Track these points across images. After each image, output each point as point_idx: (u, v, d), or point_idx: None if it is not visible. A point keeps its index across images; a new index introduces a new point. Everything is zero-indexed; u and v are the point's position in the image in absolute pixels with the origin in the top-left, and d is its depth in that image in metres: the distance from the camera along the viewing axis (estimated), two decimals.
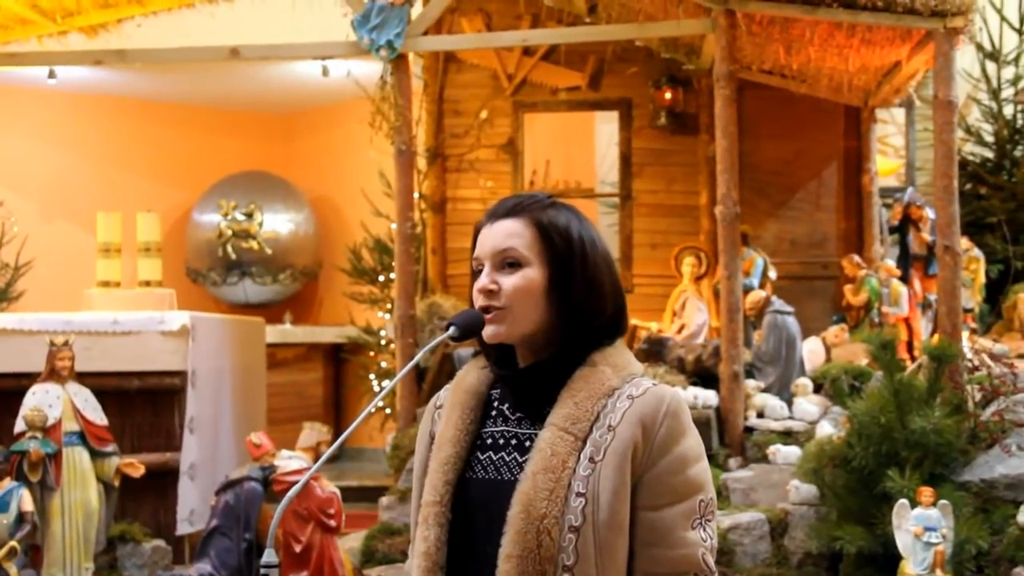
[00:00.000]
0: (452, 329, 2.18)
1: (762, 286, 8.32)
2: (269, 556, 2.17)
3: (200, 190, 12.17)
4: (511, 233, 2.13)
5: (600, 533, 2.01)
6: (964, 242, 8.93)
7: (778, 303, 7.87)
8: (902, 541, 6.00)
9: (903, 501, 6.02)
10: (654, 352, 7.91)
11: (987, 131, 10.07)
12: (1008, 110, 10.01)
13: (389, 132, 7.67)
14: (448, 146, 9.22)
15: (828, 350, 8.06)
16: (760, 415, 7.54)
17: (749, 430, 7.44)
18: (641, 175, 9.14)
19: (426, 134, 9.11)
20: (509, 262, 2.12)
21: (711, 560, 2.08)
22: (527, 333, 2.12)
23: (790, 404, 7.55)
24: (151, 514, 7.35)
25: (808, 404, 7.46)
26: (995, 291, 9.27)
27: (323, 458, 2.30)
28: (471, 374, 2.26)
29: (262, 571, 2.13)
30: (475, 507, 2.11)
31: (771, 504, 6.84)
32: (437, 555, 2.11)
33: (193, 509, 7.35)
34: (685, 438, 2.09)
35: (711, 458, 7.23)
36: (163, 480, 7.33)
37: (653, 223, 9.07)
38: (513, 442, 2.13)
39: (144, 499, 7.33)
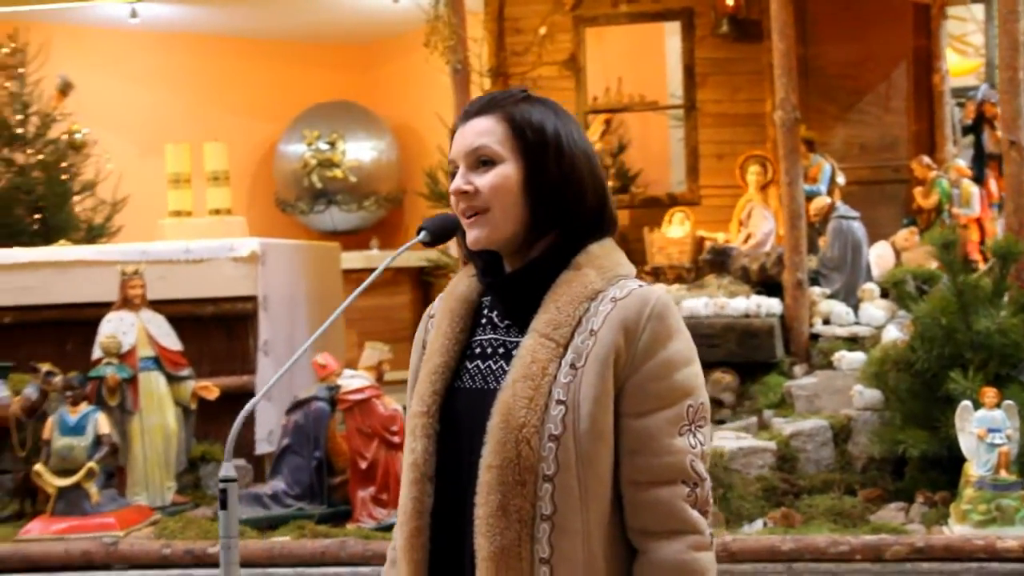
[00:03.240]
0: (423, 234, 2.12)
1: (830, 192, 8.05)
2: (227, 470, 2.14)
3: (285, 122, 12.18)
4: (483, 131, 2.03)
5: (581, 442, 1.93)
6: None
7: (843, 208, 7.61)
8: (965, 443, 5.79)
9: (966, 403, 5.79)
10: (718, 262, 7.74)
11: None
12: None
13: (444, 51, 7.52)
14: (510, 65, 9.04)
15: (898, 254, 7.79)
16: (826, 322, 7.32)
17: (814, 337, 7.25)
18: (705, 85, 8.87)
19: (488, 53, 8.93)
20: (483, 160, 2.02)
21: (701, 467, 1.99)
22: (509, 235, 2.03)
23: (856, 310, 7.33)
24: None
25: (874, 309, 7.22)
26: None
27: (290, 362, 2.27)
28: (462, 282, 2.19)
29: (220, 485, 2.11)
30: (462, 416, 2.04)
31: (835, 410, 6.67)
32: (425, 466, 2.05)
33: (271, 429, 7.38)
34: (672, 341, 1.99)
35: (774, 366, 7.06)
36: (241, 402, 7.28)
37: (718, 133, 8.82)
38: (501, 350, 2.05)
39: (224, 421, 7.31)
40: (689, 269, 8.15)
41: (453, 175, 2.06)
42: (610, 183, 8.75)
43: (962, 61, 9.38)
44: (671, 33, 10.06)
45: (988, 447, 5.71)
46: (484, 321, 2.10)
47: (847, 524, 5.93)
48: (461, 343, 2.09)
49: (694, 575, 1.97)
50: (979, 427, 5.73)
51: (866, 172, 8.62)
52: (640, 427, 1.95)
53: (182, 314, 7.19)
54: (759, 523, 6.04)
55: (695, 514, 1.98)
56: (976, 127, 7.95)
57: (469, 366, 2.06)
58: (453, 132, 2.10)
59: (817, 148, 8.24)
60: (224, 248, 7.48)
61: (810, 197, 7.88)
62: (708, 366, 7.02)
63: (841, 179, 8.17)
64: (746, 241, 8.10)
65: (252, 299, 7.42)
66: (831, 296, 7.44)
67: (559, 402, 1.93)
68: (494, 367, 2.03)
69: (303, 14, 11.30)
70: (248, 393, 7.41)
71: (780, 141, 7.20)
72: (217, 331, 7.47)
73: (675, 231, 8.45)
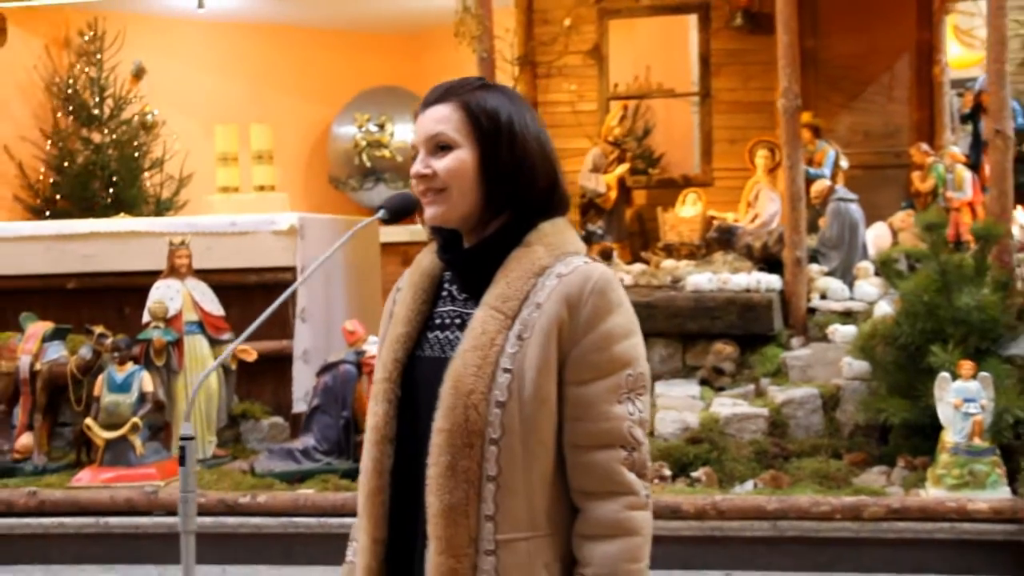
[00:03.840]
0: (382, 212, 2.16)
1: (834, 176, 7.96)
2: (186, 429, 2.18)
3: (338, 106, 12.25)
4: (440, 118, 2.04)
5: (525, 408, 1.94)
6: None
7: (842, 191, 7.52)
8: (943, 412, 5.76)
9: (944, 374, 5.76)
10: (724, 240, 7.69)
11: None
12: None
13: (471, 41, 7.52)
14: (538, 53, 9.02)
15: (895, 235, 7.69)
16: (823, 297, 7.27)
17: (812, 311, 7.19)
18: (719, 74, 8.80)
19: (517, 43, 8.91)
20: (441, 145, 2.03)
21: (639, 432, 1.99)
22: (465, 214, 2.04)
23: (851, 287, 7.25)
24: (271, 394, 7.50)
25: (868, 286, 7.15)
26: None
27: (249, 329, 2.27)
28: (426, 258, 2.20)
29: (180, 443, 2.14)
30: (421, 383, 2.05)
31: (826, 380, 6.63)
32: (386, 428, 2.07)
33: (307, 390, 7.46)
34: (612, 315, 1.99)
35: (773, 339, 7.03)
36: (280, 364, 7.45)
37: (731, 119, 8.75)
38: (458, 321, 2.06)
39: (264, 381, 7.49)
40: (699, 246, 8.11)
41: (415, 159, 2.08)
42: (630, 165, 8.80)
43: (969, 53, 9.20)
44: (694, 26, 9.97)
45: (963, 416, 5.67)
46: (445, 294, 2.11)
47: (832, 486, 5.91)
48: (423, 314, 2.10)
49: (628, 532, 1.98)
50: (956, 397, 5.70)
51: (869, 157, 8.51)
52: (581, 394, 1.96)
53: (227, 282, 7.28)
54: (749, 484, 6.04)
55: (631, 476, 1.98)
56: (974, 115, 7.81)
57: (429, 336, 2.08)
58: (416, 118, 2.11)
59: (823, 134, 8.16)
60: (266, 222, 7.56)
61: (815, 180, 7.81)
62: (710, 337, 7.05)
63: (845, 164, 8.08)
64: (753, 221, 8.04)
65: (291, 269, 7.49)
66: (828, 273, 7.37)
67: (506, 371, 1.94)
68: (451, 337, 2.04)
69: (356, 5, 11.35)
70: (286, 356, 7.51)
71: (782, 127, 7.14)
72: (259, 298, 7.52)
73: (687, 211, 8.41)
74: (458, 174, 2.01)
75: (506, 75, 9.05)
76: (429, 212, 2.05)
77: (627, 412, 1.97)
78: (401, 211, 2.15)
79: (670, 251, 8.22)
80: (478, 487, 1.94)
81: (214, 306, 6.98)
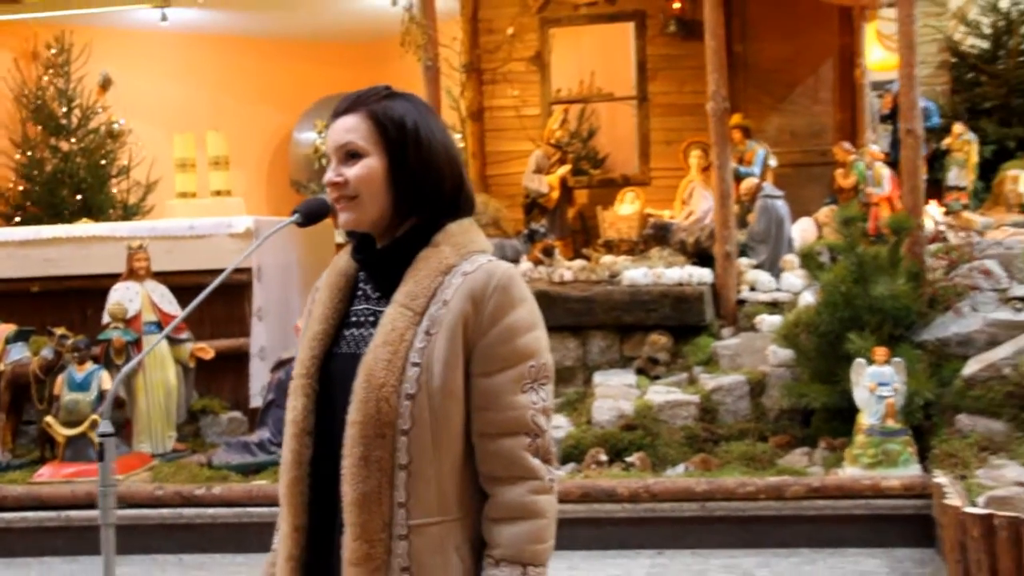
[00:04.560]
0: (296, 216, 2.15)
1: (763, 174, 8.03)
2: (104, 427, 2.17)
3: (298, 113, 12.20)
4: (349, 128, 2.04)
5: (434, 400, 1.94)
6: (958, 127, 8.51)
7: (768, 188, 7.59)
8: (858, 395, 5.84)
9: (860, 360, 5.84)
10: (659, 236, 7.74)
11: (985, 24, 9.46)
12: (1004, 2, 9.37)
13: (417, 50, 7.52)
14: (483, 61, 9.04)
15: (820, 229, 7.76)
16: (752, 289, 7.33)
17: (741, 303, 7.25)
18: (655, 79, 8.85)
19: (463, 51, 8.92)
20: (351, 154, 2.02)
21: (542, 420, 1.99)
22: (376, 218, 2.05)
23: (778, 278, 7.31)
24: (229, 390, 7.49)
25: (794, 278, 7.22)
26: (990, 170, 8.80)
27: (174, 322, 2.28)
28: (343, 259, 2.20)
29: (98, 439, 2.13)
30: (337, 378, 2.05)
31: (754, 367, 6.69)
32: (304, 422, 2.07)
33: (263, 385, 7.46)
34: (515, 310, 1.99)
35: (705, 329, 7.08)
36: (238, 361, 7.44)
37: (667, 122, 8.80)
38: (372, 319, 2.06)
39: (223, 378, 7.47)
40: (637, 242, 8.15)
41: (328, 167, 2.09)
42: (573, 166, 8.83)
43: (890, 57, 9.26)
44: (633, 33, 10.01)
45: (877, 399, 5.75)
46: (360, 293, 2.10)
47: (758, 468, 5.99)
48: (340, 312, 2.09)
49: (533, 515, 1.98)
50: (871, 381, 5.78)
51: (797, 156, 8.59)
52: (487, 385, 1.96)
53: (186, 284, 7.22)
54: (681, 467, 6.09)
55: (536, 462, 1.98)
56: (893, 116, 7.89)
57: (346, 333, 2.07)
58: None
59: (753, 134, 8.22)
60: (223, 225, 7.54)
61: (745, 178, 7.88)
62: (646, 329, 7.09)
63: (773, 162, 8.15)
64: (687, 218, 8.09)
65: (247, 271, 7.48)
66: (757, 266, 7.44)
67: (415, 364, 1.94)
68: (365, 334, 2.03)
69: (315, 17, 11.32)
70: (244, 353, 7.50)
71: (711, 129, 7.19)
72: (217, 298, 7.49)
73: (626, 209, 8.45)
74: (367, 181, 2.01)
75: (453, 82, 9.07)
76: (342, 218, 2.06)
77: (531, 401, 1.97)
78: (315, 215, 2.14)
79: (610, 247, 8.26)
80: (390, 476, 1.95)
81: (172, 307, 6.97)
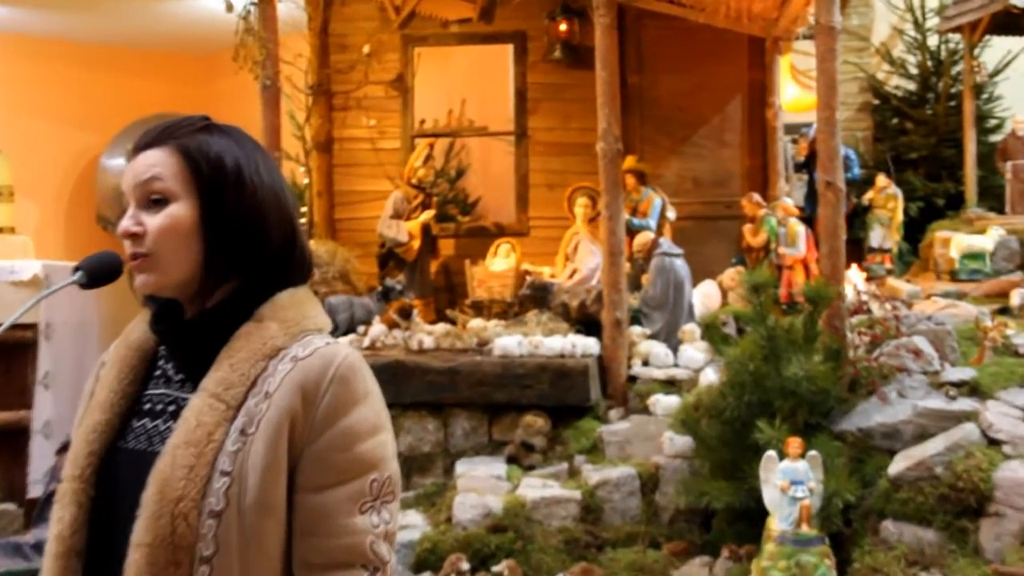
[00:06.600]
0: (79, 275, 1.99)
1: (660, 227, 7.96)
2: None
3: (109, 135, 11.76)
4: (154, 163, 1.89)
5: (246, 518, 1.79)
6: (882, 179, 8.63)
7: (666, 245, 7.52)
8: (768, 495, 5.71)
9: (771, 453, 5.72)
10: (538, 298, 7.61)
11: (911, 63, 9.67)
12: (932, 40, 9.59)
13: (253, 67, 7.27)
14: (334, 83, 8.86)
15: (724, 294, 7.72)
16: (645, 363, 7.23)
17: (632, 379, 7.15)
18: (537, 111, 8.81)
19: (311, 70, 8.71)
20: (154, 198, 1.88)
21: (384, 549, 1.85)
22: (181, 281, 1.88)
23: (676, 351, 7.22)
24: (1, 475, 7.06)
25: (694, 351, 7.14)
26: (917, 229, 8.93)
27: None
28: (137, 329, 2.03)
29: None
30: (122, 483, 1.87)
31: (647, 457, 6.57)
32: (72, 539, 1.87)
33: (47, 470, 7.03)
34: (356, 408, 1.85)
35: (589, 410, 6.94)
36: (16, 439, 7.03)
37: (549, 162, 8.75)
38: (171, 408, 1.90)
39: None
40: (511, 304, 8.00)
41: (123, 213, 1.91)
42: (436, 211, 8.64)
43: (806, 95, 9.38)
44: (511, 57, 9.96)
45: (790, 500, 5.62)
46: (158, 373, 1.95)
47: None
48: (129, 397, 1.94)
49: None
50: (782, 479, 5.65)
51: (699, 207, 8.59)
52: (317, 503, 1.81)
53: None
54: None
55: None
56: (808, 164, 7.94)
57: (135, 424, 1.91)
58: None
59: (648, 181, 8.18)
60: (4, 271, 7.13)
61: (639, 231, 7.80)
62: (520, 408, 6.92)
63: (672, 214, 8.11)
64: (572, 276, 7.97)
65: (32, 327, 7.07)
66: (652, 336, 7.35)
67: (224, 473, 1.78)
68: (161, 427, 1.87)
69: (134, 18, 10.94)
70: (24, 429, 7.08)
71: (601, 173, 7.08)
72: None
73: (499, 264, 8.30)
74: (171, 234, 1.87)
75: (297, 106, 8.83)
76: (138, 280, 1.90)
77: (371, 524, 1.83)
78: (103, 275, 1.99)
79: (479, 309, 8.09)
80: None
81: None
